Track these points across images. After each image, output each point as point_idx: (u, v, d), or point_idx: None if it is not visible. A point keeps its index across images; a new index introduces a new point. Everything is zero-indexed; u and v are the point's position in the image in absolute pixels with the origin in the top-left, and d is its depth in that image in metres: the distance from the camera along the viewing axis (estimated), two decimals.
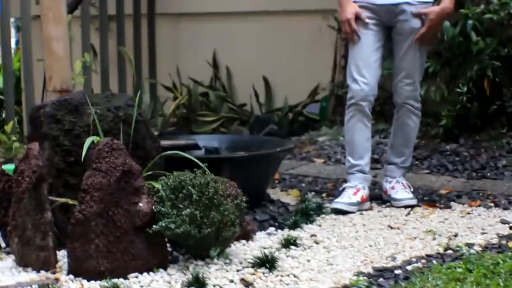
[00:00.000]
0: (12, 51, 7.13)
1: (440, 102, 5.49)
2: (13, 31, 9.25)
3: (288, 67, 6.79)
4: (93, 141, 3.42)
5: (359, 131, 4.39)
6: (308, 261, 3.48)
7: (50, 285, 3.14)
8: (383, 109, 5.84)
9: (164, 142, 4.04)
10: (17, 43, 9.26)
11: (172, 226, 3.22)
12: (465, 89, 5.31)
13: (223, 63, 7.10)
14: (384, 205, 4.48)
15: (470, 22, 5.27)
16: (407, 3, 4.29)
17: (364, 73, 4.31)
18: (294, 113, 6.70)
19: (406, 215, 4.26)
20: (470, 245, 3.64)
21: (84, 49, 6.31)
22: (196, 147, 4.44)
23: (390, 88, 4.65)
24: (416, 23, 4.31)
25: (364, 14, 4.32)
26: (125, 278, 3.21)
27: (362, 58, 4.33)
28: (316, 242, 3.77)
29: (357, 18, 4.32)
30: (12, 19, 8.31)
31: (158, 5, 7.27)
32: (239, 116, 6.81)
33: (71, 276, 3.24)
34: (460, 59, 5.41)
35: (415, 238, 3.81)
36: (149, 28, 7.26)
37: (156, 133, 5.77)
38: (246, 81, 6.91)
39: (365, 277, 3.25)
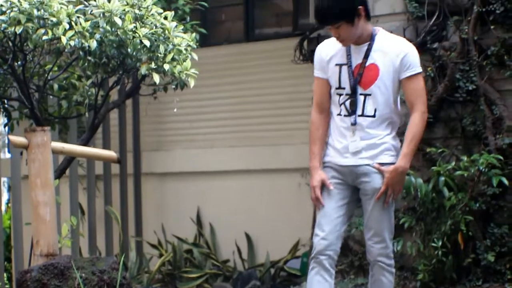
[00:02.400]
0: (3, 209, 7.29)
1: (416, 257, 5.59)
2: (4, 189, 9.46)
3: (269, 223, 6.93)
4: None
5: (317, 284, 4.39)
6: None
7: None
8: (362, 264, 5.92)
9: None
10: (8, 201, 9.42)
11: None
12: (440, 243, 5.43)
13: (206, 220, 7.26)
14: None
15: (442, 178, 5.44)
16: (368, 165, 4.38)
17: (325, 228, 4.39)
18: (276, 268, 6.80)
19: None
20: None
21: (72, 209, 6.45)
22: None
23: None
24: (378, 183, 4.38)
25: (330, 174, 4.44)
26: None
27: (324, 214, 4.42)
28: None
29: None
30: (4, 178, 8.53)
31: (144, 165, 7.50)
32: (222, 272, 6.90)
33: None
34: (434, 214, 5.55)
35: None
36: (135, 187, 7.45)
37: None
38: (229, 237, 7.05)
39: None
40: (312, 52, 6.52)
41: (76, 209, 6.53)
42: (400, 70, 4.35)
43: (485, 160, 5.31)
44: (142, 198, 7.47)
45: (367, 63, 4.36)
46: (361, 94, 4.36)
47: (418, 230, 5.62)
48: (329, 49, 4.48)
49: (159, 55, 4.57)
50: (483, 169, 5.36)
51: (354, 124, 4.36)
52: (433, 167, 5.49)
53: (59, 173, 5.06)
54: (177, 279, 6.96)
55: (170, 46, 4.62)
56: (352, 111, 4.37)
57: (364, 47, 4.38)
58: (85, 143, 5.12)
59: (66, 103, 5.21)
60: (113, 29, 4.42)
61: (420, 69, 4.41)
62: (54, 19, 4.32)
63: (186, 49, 4.72)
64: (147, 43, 4.46)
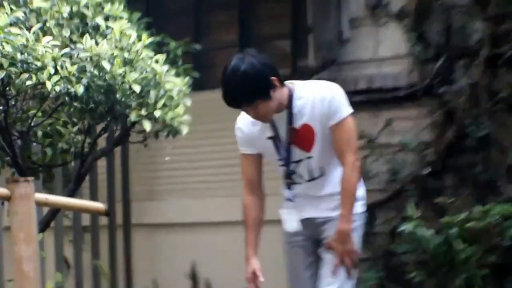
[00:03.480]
0: None
1: None
2: None
3: (266, 276, 6.75)
4: None
5: None
6: None
7: None
8: None
9: None
10: None
11: None
12: None
13: (202, 275, 7.08)
14: None
15: (453, 230, 5.24)
16: (327, 216, 4.17)
17: None
18: None
19: None
20: None
21: (57, 264, 6.24)
22: None
23: None
24: None
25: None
26: None
27: (296, 277, 4.33)
28: None
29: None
30: None
31: (134, 216, 7.29)
32: None
33: None
34: (446, 268, 5.35)
35: None
36: (125, 239, 7.25)
37: None
38: None
39: None
40: None
41: (62, 263, 6.32)
42: (329, 117, 4.02)
43: (501, 210, 5.13)
44: (132, 251, 7.26)
45: (298, 126, 4.08)
46: (302, 160, 4.13)
47: (430, 285, 5.43)
48: (252, 125, 4.20)
49: (150, 101, 4.47)
50: (498, 220, 5.16)
51: (303, 189, 4.18)
52: (443, 218, 5.30)
53: (43, 226, 4.86)
54: None
55: (161, 92, 4.53)
56: (294, 181, 4.19)
57: (285, 112, 4.10)
58: (71, 194, 4.92)
59: (51, 151, 4.99)
60: (101, 74, 4.30)
61: (348, 110, 4.07)
62: (39, 63, 4.20)
63: (178, 95, 4.65)
64: (137, 88, 4.35)
